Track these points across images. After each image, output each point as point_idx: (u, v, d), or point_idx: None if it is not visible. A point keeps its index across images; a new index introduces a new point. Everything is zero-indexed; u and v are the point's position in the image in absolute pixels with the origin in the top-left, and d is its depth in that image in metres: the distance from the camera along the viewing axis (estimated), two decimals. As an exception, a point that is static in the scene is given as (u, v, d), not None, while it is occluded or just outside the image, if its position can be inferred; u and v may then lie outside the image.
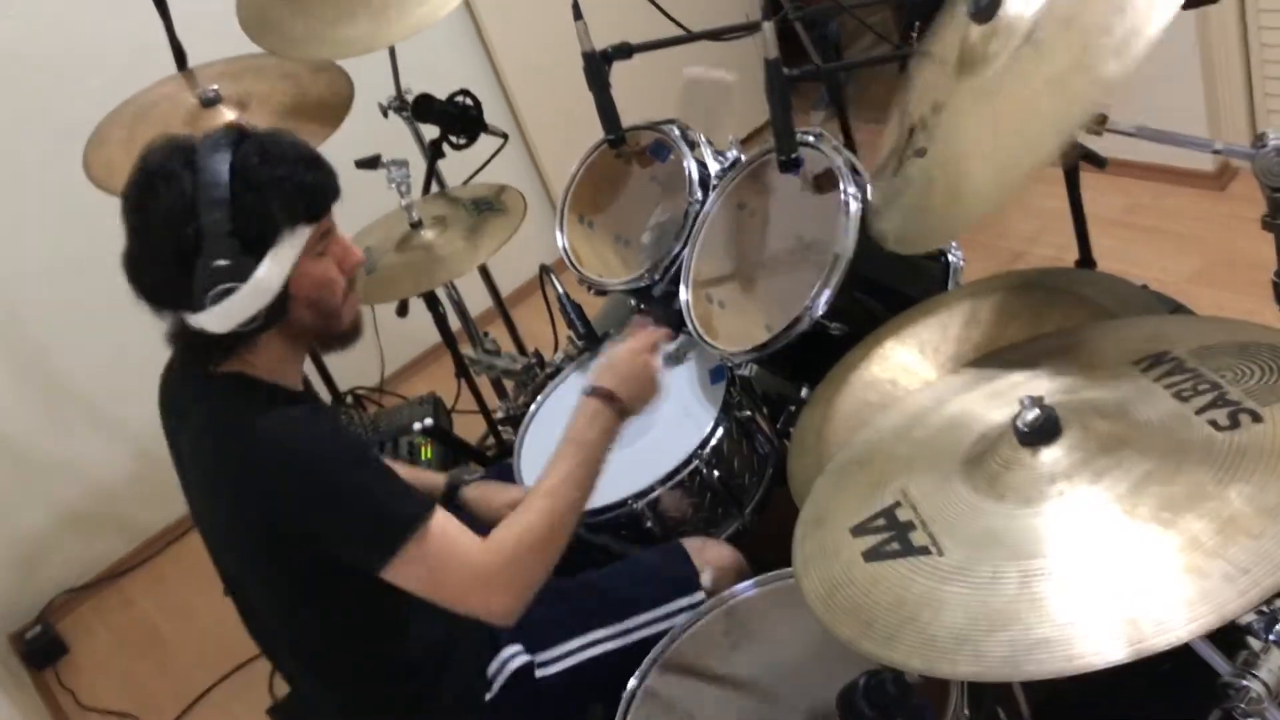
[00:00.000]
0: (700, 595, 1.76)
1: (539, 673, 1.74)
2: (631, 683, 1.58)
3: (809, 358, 1.90)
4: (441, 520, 1.47)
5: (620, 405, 1.61)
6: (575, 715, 1.77)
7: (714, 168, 2.15)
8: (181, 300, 1.43)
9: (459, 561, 1.47)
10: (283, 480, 1.44)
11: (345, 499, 1.45)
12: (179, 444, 1.60)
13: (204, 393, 1.51)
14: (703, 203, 2.10)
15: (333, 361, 2.99)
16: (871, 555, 1.15)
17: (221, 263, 1.39)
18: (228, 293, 1.41)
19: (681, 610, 1.75)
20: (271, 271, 1.43)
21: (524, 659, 1.73)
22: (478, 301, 3.01)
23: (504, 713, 1.71)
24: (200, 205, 1.38)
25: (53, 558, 3.24)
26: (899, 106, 1.56)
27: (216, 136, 1.43)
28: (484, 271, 2.77)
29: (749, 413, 2.01)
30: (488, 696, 1.71)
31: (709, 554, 1.82)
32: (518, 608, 1.49)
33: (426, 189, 2.69)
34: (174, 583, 3.20)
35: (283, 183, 1.42)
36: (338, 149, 2.29)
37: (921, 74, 1.50)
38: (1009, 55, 1.29)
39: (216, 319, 1.43)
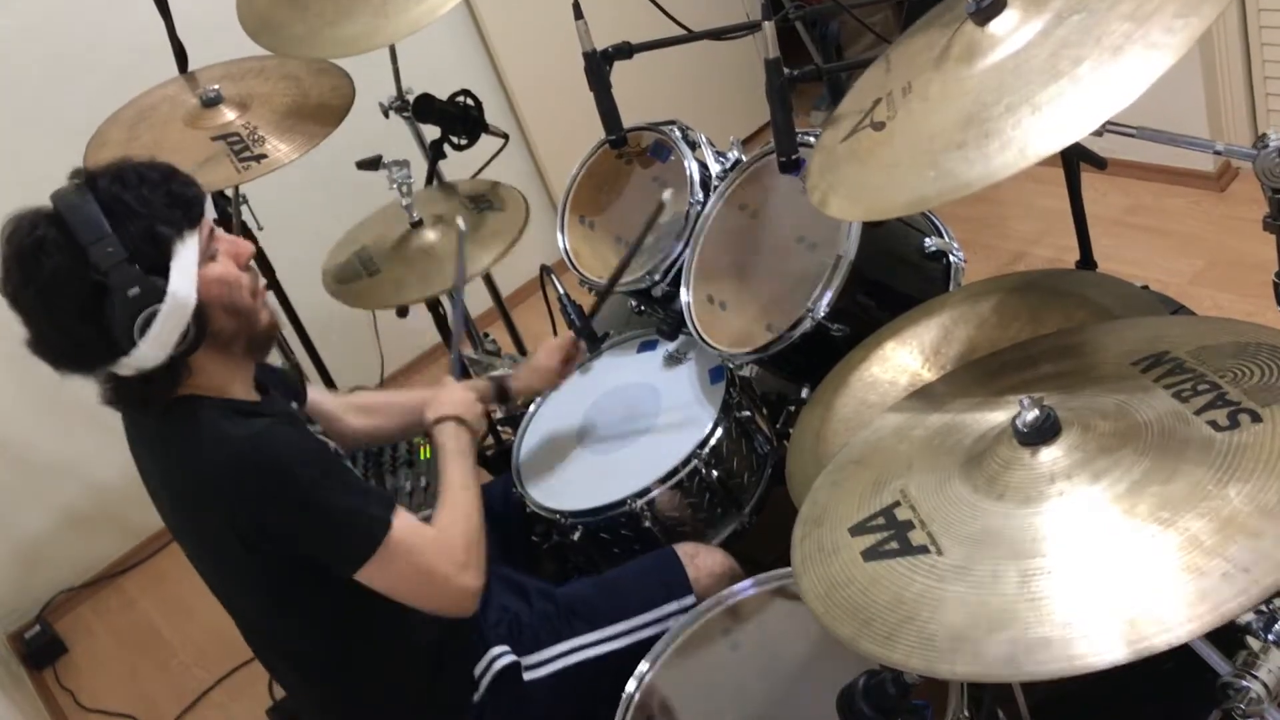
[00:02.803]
0: (691, 600, 1.76)
1: (527, 675, 1.74)
2: (631, 684, 1.58)
3: (809, 359, 1.90)
4: (404, 519, 1.52)
5: (464, 422, 1.80)
6: (565, 718, 1.77)
7: (715, 168, 2.15)
8: (109, 350, 1.42)
9: (428, 553, 1.54)
10: (252, 488, 1.45)
11: (315, 507, 1.47)
12: (147, 477, 1.61)
13: (161, 421, 1.52)
14: (704, 203, 2.10)
15: (332, 361, 2.99)
16: (870, 554, 1.15)
17: (134, 291, 1.40)
18: (151, 317, 1.41)
19: (672, 615, 1.75)
20: (181, 283, 1.44)
21: (510, 659, 1.73)
22: (478, 302, 3.01)
23: (491, 714, 1.71)
24: (88, 249, 1.38)
25: (52, 558, 3.24)
26: (884, 60, 1.55)
27: (66, 188, 1.44)
28: (484, 272, 2.77)
29: (748, 413, 2.01)
30: (475, 697, 1.71)
31: (702, 560, 1.82)
32: (480, 588, 1.59)
33: (427, 190, 2.69)
34: (174, 582, 3.19)
35: (154, 199, 1.44)
36: (339, 150, 2.31)
37: (912, 44, 1.49)
38: (993, 66, 1.29)
39: (152, 347, 1.42)
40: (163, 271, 1.43)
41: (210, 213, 1.54)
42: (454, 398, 1.83)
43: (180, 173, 1.50)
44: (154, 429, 1.53)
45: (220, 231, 1.55)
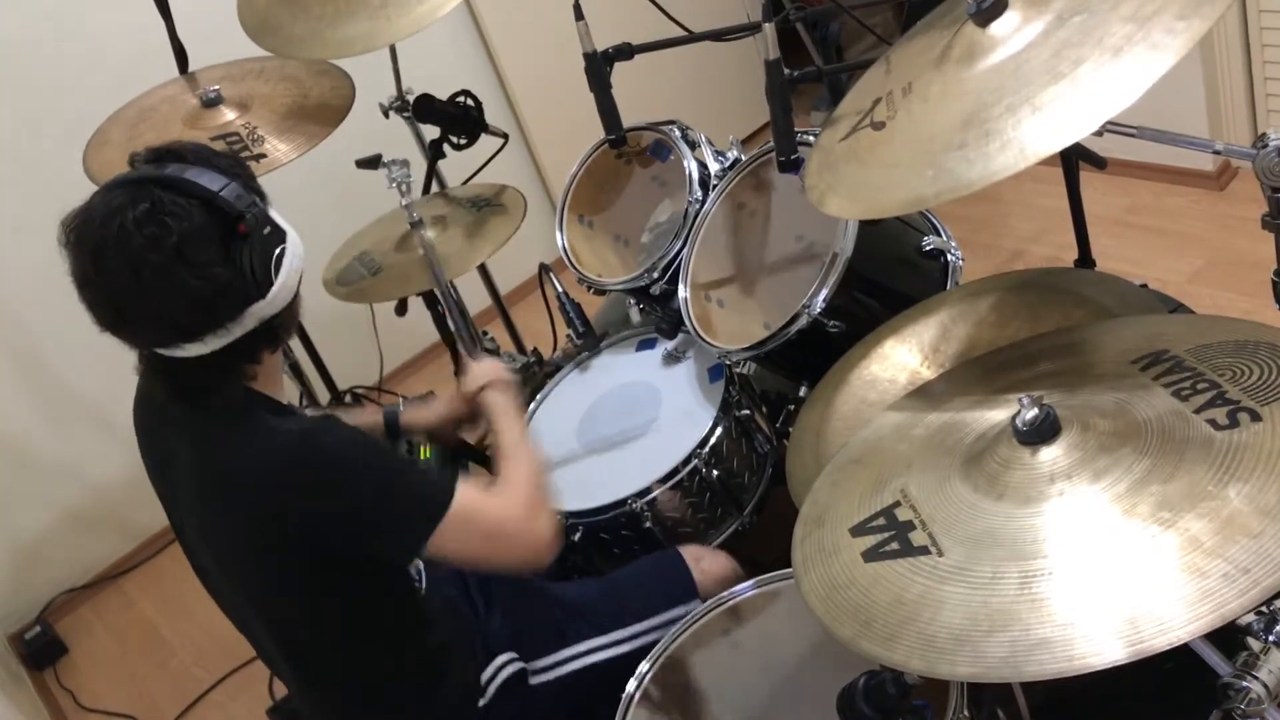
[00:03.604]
0: (696, 604, 1.76)
1: (533, 680, 1.74)
2: (631, 684, 1.58)
3: (808, 356, 1.90)
4: (465, 483, 1.52)
5: (505, 383, 1.85)
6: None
7: (714, 168, 2.15)
8: (248, 293, 1.41)
9: (497, 509, 1.55)
10: (311, 483, 1.44)
11: (380, 488, 1.48)
12: (166, 464, 1.59)
13: (205, 410, 1.50)
14: (702, 202, 2.11)
15: (332, 360, 2.99)
16: (871, 555, 1.15)
17: (267, 229, 1.43)
18: (283, 255, 1.45)
19: (677, 620, 1.75)
20: (288, 227, 1.49)
21: (517, 666, 1.73)
22: (477, 300, 3.01)
23: (497, 719, 1.71)
24: (215, 198, 1.39)
25: (53, 558, 3.24)
26: (884, 61, 1.55)
27: (141, 167, 1.43)
28: (483, 270, 2.77)
29: (748, 412, 2.01)
30: (481, 703, 1.71)
31: (707, 564, 1.83)
32: (553, 535, 1.59)
33: (427, 189, 2.69)
34: (174, 582, 3.19)
35: (228, 163, 1.47)
36: (339, 149, 2.31)
37: (912, 45, 1.50)
38: (993, 66, 1.29)
39: (283, 288, 1.45)
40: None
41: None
42: (486, 369, 1.87)
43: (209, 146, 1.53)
44: (195, 416, 1.51)
45: None
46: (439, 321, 2.56)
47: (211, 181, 1.40)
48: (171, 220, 1.36)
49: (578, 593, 1.87)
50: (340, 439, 1.49)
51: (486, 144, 2.62)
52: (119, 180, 1.42)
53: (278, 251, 1.44)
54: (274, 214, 1.48)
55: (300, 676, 1.71)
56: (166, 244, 1.36)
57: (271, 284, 1.43)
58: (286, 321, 1.52)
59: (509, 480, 1.60)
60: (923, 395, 1.42)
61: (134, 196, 1.37)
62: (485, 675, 1.72)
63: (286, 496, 1.44)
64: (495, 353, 2.64)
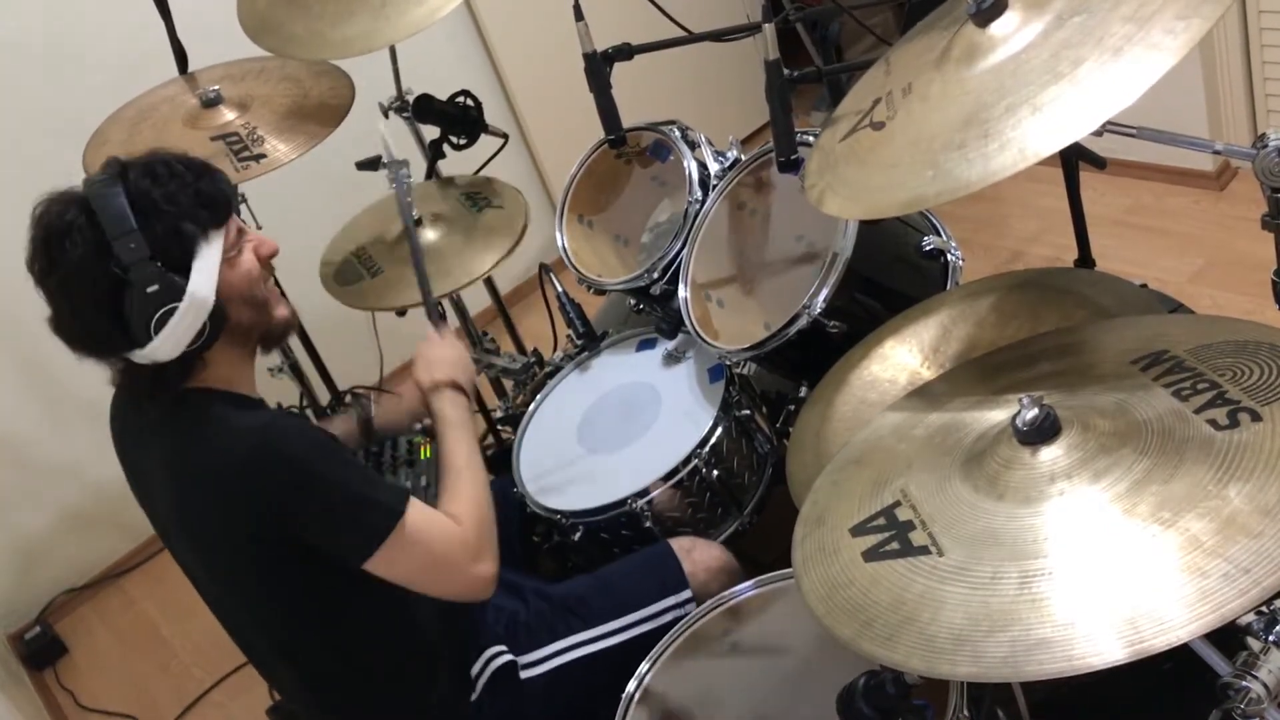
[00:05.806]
0: (687, 594, 1.76)
1: (524, 673, 1.74)
2: (631, 684, 1.58)
3: (808, 357, 1.90)
4: (417, 509, 1.51)
5: (460, 385, 1.79)
6: (563, 717, 1.77)
7: (714, 168, 2.15)
8: (124, 341, 1.44)
9: (441, 543, 1.53)
10: (267, 478, 1.45)
11: (329, 493, 1.48)
12: (141, 472, 1.61)
13: (170, 413, 1.52)
14: (702, 202, 2.11)
15: (331, 360, 2.99)
16: (871, 555, 1.15)
17: (153, 288, 1.41)
18: (169, 315, 1.43)
19: (668, 610, 1.75)
20: (201, 283, 1.45)
21: (507, 658, 1.73)
22: (477, 300, 3.01)
23: (489, 714, 1.71)
24: (112, 244, 1.40)
25: (53, 558, 3.24)
26: (884, 62, 1.55)
27: (99, 176, 1.45)
28: (486, 275, 2.77)
29: (748, 412, 2.01)
30: (472, 697, 1.71)
31: (698, 555, 1.82)
32: (495, 572, 1.58)
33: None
34: (174, 583, 3.15)
35: (182, 196, 1.45)
36: (339, 149, 2.31)
37: (912, 46, 1.50)
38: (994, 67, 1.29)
39: (166, 344, 1.44)
40: (184, 270, 1.45)
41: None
42: (445, 355, 1.81)
43: (212, 169, 1.52)
44: (161, 420, 1.53)
45: (248, 226, 1.57)
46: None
47: (116, 226, 1.40)
48: (71, 249, 1.40)
49: (567, 588, 1.87)
50: (301, 437, 1.50)
51: (486, 144, 2.61)
52: (87, 183, 1.45)
53: (163, 311, 1.42)
54: (198, 264, 1.44)
55: (294, 677, 1.71)
56: (56, 272, 1.42)
57: (150, 339, 1.43)
58: (201, 351, 1.49)
59: (460, 515, 1.58)
60: (923, 395, 1.42)
61: (63, 210, 1.42)
62: (475, 669, 1.72)
63: (249, 490, 1.45)
64: (495, 352, 2.64)
